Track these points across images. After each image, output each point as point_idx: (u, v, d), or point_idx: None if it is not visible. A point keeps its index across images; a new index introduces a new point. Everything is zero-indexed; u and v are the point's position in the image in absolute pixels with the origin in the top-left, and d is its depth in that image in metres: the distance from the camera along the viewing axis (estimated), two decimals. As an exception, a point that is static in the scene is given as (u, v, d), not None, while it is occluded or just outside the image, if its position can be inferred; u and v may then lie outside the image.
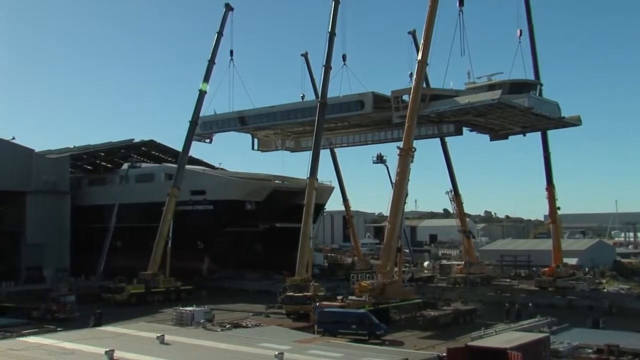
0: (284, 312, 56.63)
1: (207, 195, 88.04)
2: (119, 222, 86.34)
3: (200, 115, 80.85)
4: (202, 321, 45.63)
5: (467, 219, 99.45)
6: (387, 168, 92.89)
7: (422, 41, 61.65)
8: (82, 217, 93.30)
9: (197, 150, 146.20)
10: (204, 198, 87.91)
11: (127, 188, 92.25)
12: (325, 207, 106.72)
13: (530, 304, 56.62)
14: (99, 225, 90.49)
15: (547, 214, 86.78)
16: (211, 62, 78.86)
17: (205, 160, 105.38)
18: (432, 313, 52.60)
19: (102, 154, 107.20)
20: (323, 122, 71.54)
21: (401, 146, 59.36)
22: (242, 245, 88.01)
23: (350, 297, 56.01)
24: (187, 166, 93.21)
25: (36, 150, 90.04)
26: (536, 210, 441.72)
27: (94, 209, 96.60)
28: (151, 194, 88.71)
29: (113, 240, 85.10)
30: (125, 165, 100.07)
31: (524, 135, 78.78)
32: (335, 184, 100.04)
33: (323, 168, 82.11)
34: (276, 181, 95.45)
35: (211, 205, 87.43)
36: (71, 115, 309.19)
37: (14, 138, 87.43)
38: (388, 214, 61.74)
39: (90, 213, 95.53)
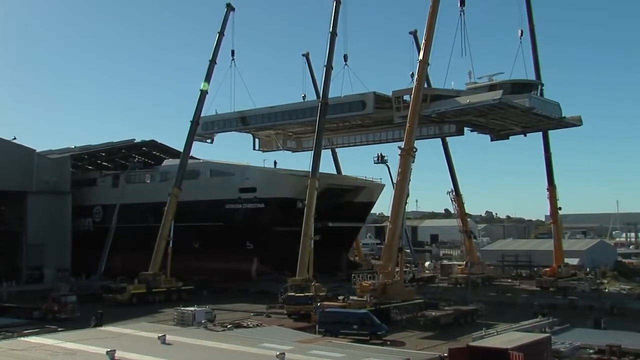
0: (285, 312, 56.53)
1: (257, 193, 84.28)
2: (157, 222, 79.32)
3: (202, 115, 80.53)
4: (203, 321, 45.66)
5: (468, 219, 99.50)
6: (388, 168, 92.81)
7: (423, 41, 61.78)
8: (122, 216, 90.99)
9: (198, 150, 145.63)
10: (254, 196, 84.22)
11: (169, 186, 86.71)
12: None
13: (536, 303, 56.77)
14: (143, 225, 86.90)
15: (548, 214, 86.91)
16: (212, 62, 78.67)
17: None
18: (434, 313, 52.52)
19: (103, 154, 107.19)
20: (324, 122, 71.31)
21: (402, 146, 59.45)
22: (292, 245, 79.52)
23: (351, 298, 55.94)
24: (233, 161, 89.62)
25: (37, 151, 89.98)
26: (537, 210, 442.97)
27: (135, 207, 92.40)
28: (196, 191, 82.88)
29: (152, 241, 78.82)
30: (166, 162, 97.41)
31: (525, 136, 78.89)
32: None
33: (324, 168, 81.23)
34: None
35: (262, 204, 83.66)
36: (72, 115, 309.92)
37: (15, 138, 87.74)
38: (389, 214, 61.79)
39: (134, 211, 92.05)
